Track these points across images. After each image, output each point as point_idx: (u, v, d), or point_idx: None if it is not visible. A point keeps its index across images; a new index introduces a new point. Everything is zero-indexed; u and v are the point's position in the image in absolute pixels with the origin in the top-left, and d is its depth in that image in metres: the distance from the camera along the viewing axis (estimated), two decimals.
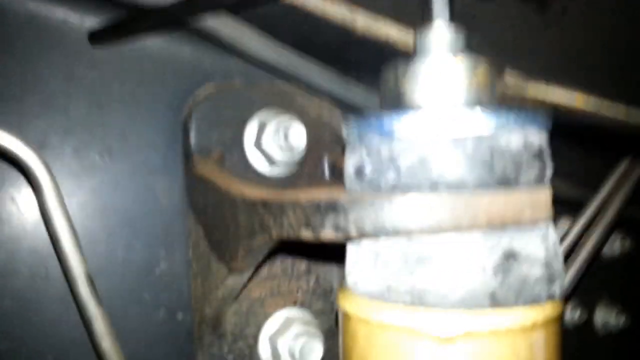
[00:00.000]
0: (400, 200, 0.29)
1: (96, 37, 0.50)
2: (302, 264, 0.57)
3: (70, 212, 0.44)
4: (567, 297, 0.66)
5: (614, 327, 0.86)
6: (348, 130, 0.33)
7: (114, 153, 0.51)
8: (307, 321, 0.56)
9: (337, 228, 0.31)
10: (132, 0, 0.44)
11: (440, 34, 0.32)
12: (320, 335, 0.53)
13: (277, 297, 0.56)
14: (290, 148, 0.53)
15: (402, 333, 0.29)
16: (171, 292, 0.53)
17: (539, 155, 0.30)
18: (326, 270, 0.58)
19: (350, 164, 0.32)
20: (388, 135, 0.30)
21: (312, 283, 0.58)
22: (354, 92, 0.56)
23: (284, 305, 0.56)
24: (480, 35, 0.52)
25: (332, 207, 0.31)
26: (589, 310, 0.85)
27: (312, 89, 0.56)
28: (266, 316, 0.54)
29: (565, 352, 0.91)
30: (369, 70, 0.59)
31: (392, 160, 0.30)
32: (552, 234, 0.31)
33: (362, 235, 0.30)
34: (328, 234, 0.32)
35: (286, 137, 0.53)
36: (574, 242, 0.68)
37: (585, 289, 0.85)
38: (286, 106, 0.56)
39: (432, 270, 0.29)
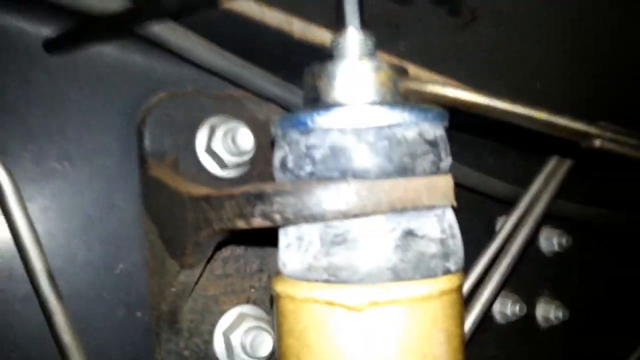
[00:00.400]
0: (314, 189, 0.33)
1: (51, 44, 0.53)
2: (254, 264, 0.61)
3: (32, 216, 0.47)
4: (501, 287, 0.71)
5: (555, 321, 0.92)
6: (274, 128, 0.37)
7: (72, 159, 0.54)
8: (259, 317, 0.60)
9: (264, 216, 0.35)
10: (83, 7, 0.47)
11: (351, 40, 0.37)
12: (271, 329, 0.57)
13: (231, 295, 0.60)
14: (239, 151, 0.57)
15: (321, 306, 0.33)
16: (130, 290, 0.56)
17: (432, 145, 0.35)
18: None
19: (276, 157, 0.37)
20: (304, 130, 0.34)
21: (264, 281, 0.62)
22: (298, 96, 0.61)
23: (237, 303, 0.60)
24: (407, 40, 0.57)
25: (259, 197, 0.35)
26: (530, 304, 0.91)
27: (259, 94, 0.60)
28: (221, 313, 0.58)
29: (509, 345, 0.96)
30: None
31: (308, 152, 0.34)
32: (449, 216, 0.36)
33: (285, 221, 0.34)
34: (257, 221, 0.36)
35: (234, 140, 0.57)
36: (507, 236, 0.73)
37: (525, 284, 0.90)
38: (236, 111, 0.61)
39: (343, 250, 0.33)
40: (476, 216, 0.84)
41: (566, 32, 0.52)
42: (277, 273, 0.38)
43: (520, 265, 0.87)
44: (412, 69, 0.63)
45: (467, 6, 0.47)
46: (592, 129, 0.42)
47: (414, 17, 0.50)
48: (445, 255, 0.34)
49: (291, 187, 0.34)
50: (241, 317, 0.58)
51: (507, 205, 0.80)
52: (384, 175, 0.33)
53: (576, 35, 0.53)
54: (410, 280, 0.33)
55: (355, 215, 0.33)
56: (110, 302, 0.55)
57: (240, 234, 0.41)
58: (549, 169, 0.77)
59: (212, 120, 0.59)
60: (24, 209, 0.46)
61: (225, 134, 0.57)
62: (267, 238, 0.41)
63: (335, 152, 0.34)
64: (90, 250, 0.54)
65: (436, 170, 0.35)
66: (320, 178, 0.34)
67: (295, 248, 0.35)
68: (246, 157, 0.58)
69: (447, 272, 0.34)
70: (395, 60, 0.61)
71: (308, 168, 0.34)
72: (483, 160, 0.82)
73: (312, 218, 0.33)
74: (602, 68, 0.59)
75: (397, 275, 0.33)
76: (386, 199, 0.33)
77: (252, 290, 0.61)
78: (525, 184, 0.79)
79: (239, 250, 0.60)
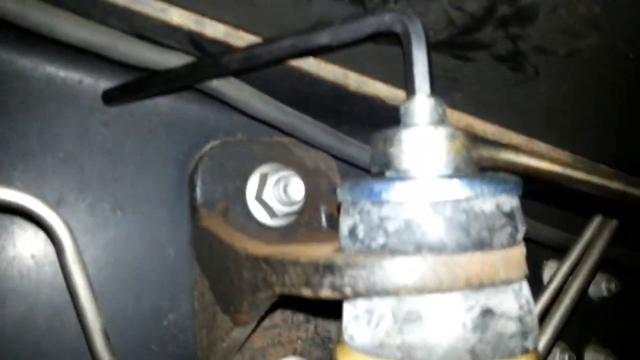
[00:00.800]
0: (388, 263, 0.32)
1: (109, 96, 0.54)
2: (301, 314, 0.60)
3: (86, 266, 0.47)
4: (555, 339, 0.68)
5: None
6: (342, 194, 0.36)
7: (125, 208, 0.54)
8: None
9: (334, 288, 0.34)
10: (143, 62, 0.48)
11: (422, 106, 0.36)
12: None
13: (277, 347, 0.59)
14: (290, 201, 0.56)
15: None
16: (178, 343, 0.55)
17: (510, 218, 0.33)
18: (324, 320, 0.61)
19: (344, 225, 0.36)
20: (377, 200, 0.33)
21: (310, 332, 0.61)
22: (347, 145, 0.60)
23: (284, 354, 0.59)
24: (463, 93, 0.56)
25: (329, 268, 0.34)
26: (579, 352, 0.87)
27: (309, 142, 0.60)
28: None
29: None
30: (361, 124, 0.63)
31: (381, 223, 0.33)
32: (525, 291, 0.34)
33: (356, 294, 0.33)
34: (326, 292, 0.35)
35: (285, 190, 0.56)
36: (560, 284, 0.71)
37: (574, 331, 0.87)
38: (285, 158, 0.60)
39: (418, 328, 0.32)
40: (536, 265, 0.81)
41: (622, 92, 0.51)
42: (342, 343, 0.36)
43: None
44: (465, 119, 0.62)
45: (530, 63, 0.47)
46: None
47: (473, 70, 0.50)
48: (524, 334, 0.33)
49: (363, 259, 0.33)
50: None
51: (552, 250, 0.78)
52: (461, 249, 0.32)
53: (632, 96, 0.52)
54: None
55: (431, 292, 0.32)
56: (158, 354, 0.54)
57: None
58: (597, 224, 0.75)
59: (263, 168, 0.59)
60: (82, 263, 0.45)
61: (276, 183, 0.57)
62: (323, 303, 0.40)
63: (410, 225, 0.32)
64: (140, 300, 0.54)
65: (513, 242, 0.34)
66: (393, 251, 0.33)
67: (364, 322, 0.33)
68: (296, 207, 0.58)
69: (525, 350, 0.33)
70: (448, 111, 0.60)
71: (381, 240, 0.33)
72: (531, 205, 0.80)
73: (385, 292, 0.32)
74: None
75: (475, 356, 0.31)
76: (463, 274, 0.31)
77: (299, 341, 0.60)
78: (572, 229, 0.77)
79: (287, 311, 0.59)
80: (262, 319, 0.53)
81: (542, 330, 0.68)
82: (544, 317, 0.69)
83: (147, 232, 0.55)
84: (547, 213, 0.81)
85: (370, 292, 0.32)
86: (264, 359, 0.56)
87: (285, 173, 0.57)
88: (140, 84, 0.51)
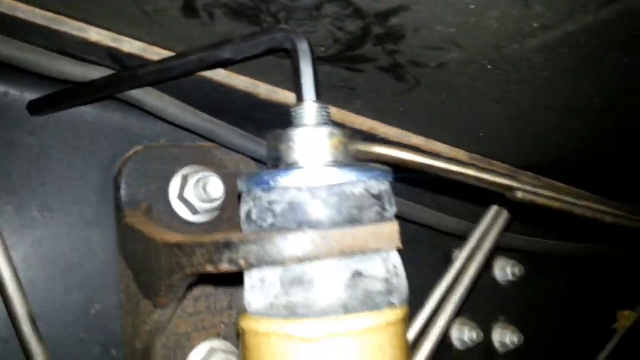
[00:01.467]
0: (275, 238, 0.39)
1: (34, 107, 0.58)
2: (224, 301, 0.66)
3: (15, 263, 0.51)
4: (457, 313, 0.77)
5: (511, 345, 0.98)
6: (241, 185, 0.43)
7: (52, 209, 0.58)
8: (229, 351, 0.64)
9: (231, 262, 0.40)
10: (66, 76, 0.53)
11: (308, 111, 0.43)
12: None
13: (201, 331, 0.64)
14: (210, 198, 0.62)
15: (281, 339, 0.38)
16: (105, 330, 0.60)
17: (377, 199, 0.41)
18: None
19: (242, 211, 0.42)
20: (267, 187, 0.40)
21: (233, 317, 0.66)
22: (262, 147, 0.67)
23: (207, 338, 0.64)
24: (362, 101, 0.64)
25: (227, 246, 0.40)
26: (487, 331, 0.97)
27: (228, 147, 0.66)
28: (192, 348, 0.62)
29: None
30: (275, 128, 0.70)
31: (270, 206, 0.40)
32: (394, 259, 0.41)
33: (250, 266, 0.40)
34: (225, 266, 0.41)
35: (205, 189, 0.62)
36: (461, 267, 0.80)
37: (482, 312, 0.97)
38: (207, 161, 0.66)
39: (301, 290, 0.38)
40: (435, 250, 0.90)
41: (490, 99, 0.60)
42: (243, 311, 0.42)
43: (477, 295, 0.94)
44: (368, 123, 0.70)
45: (410, 74, 0.55)
46: (514, 183, 0.49)
47: (365, 81, 0.57)
48: (390, 292, 0.40)
49: (254, 236, 0.39)
50: (211, 352, 0.62)
51: (462, 239, 0.87)
52: (335, 225, 0.39)
53: (497, 102, 0.61)
54: (359, 314, 0.38)
55: (310, 260, 0.38)
56: (86, 342, 0.59)
57: (210, 275, 0.46)
58: (496, 208, 0.84)
59: (185, 170, 0.64)
60: (8, 258, 0.50)
61: (197, 183, 0.63)
62: (235, 278, 0.46)
63: (293, 207, 0.39)
64: (69, 293, 0.58)
65: (381, 219, 0.41)
66: (280, 229, 0.39)
67: (258, 289, 0.40)
68: (216, 204, 0.63)
69: (391, 306, 0.40)
70: (352, 116, 0.68)
71: (269, 220, 0.40)
72: (439, 199, 0.89)
73: (273, 263, 0.39)
74: (533, 122, 0.67)
75: (347, 310, 0.38)
76: (337, 245, 0.38)
77: (223, 326, 0.65)
78: (477, 219, 0.86)
79: (210, 289, 0.65)
80: (181, 301, 0.58)
81: (445, 305, 0.76)
82: (447, 294, 0.78)
83: (75, 231, 0.59)
84: (453, 205, 0.91)
85: (261, 263, 0.39)
86: (189, 342, 0.62)
87: (205, 174, 0.63)
88: (64, 95, 0.55)
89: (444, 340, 0.91)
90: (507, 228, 0.86)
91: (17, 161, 0.57)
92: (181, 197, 0.63)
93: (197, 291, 0.64)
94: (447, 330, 0.76)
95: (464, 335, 0.91)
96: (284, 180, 0.40)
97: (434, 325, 0.77)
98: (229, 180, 0.66)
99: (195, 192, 0.63)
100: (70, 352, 0.58)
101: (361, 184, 0.40)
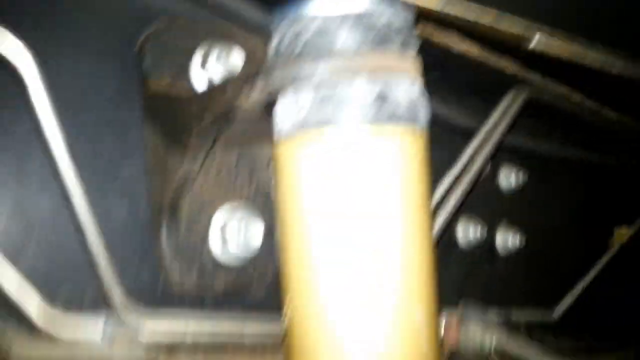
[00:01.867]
0: (305, 62, 0.41)
1: None
2: (245, 172, 0.68)
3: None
4: (459, 207, 0.80)
5: (512, 247, 1.02)
6: (272, 21, 0.44)
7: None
8: (251, 212, 0.67)
9: (262, 89, 0.43)
10: None
11: None
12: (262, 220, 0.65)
13: (224, 197, 0.67)
14: (231, 69, 0.64)
15: (312, 148, 0.41)
16: (132, 193, 0.63)
17: (400, 30, 0.43)
18: (266, 177, 0.70)
19: (273, 43, 0.44)
20: (295, 18, 0.42)
21: (254, 187, 0.69)
22: None
23: (230, 200, 0.67)
24: None
25: (258, 74, 0.43)
26: (490, 231, 1.01)
27: (249, 27, 0.67)
28: (215, 209, 0.65)
29: (471, 267, 1.05)
30: None
31: (298, 35, 0.42)
32: (417, 86, 0.44)
33: (281, 89, 0.42)
34: (256, 96, 0.43)
35: (227, 63, 0.64)
36: (466, 163, 0.83)
37: (486, 214, 1.00)
38: (228, 38, 0.67)
39: (333, 106, 0.41)
40: (443, 147, 0.93)
41: None
42: (276, 143, 0.45)
43: (482, 199, 0.97)
44: None
45: None
46: (530, 32, 0.51)
47: None
48: (413, 114, 0.42)
49: (285, 62, 0.42)
50: (234, 210, 0.65)
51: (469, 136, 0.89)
52: (363, 48, 0.41)
53: None
54: (385, 125, 0.41)
55: (340, 80, 0.41)
56: (115, 205, 0.61)
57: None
58: (505, 104, 0.86)
59: (205, 45, 0.66)
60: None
61: (218, 56, 0.64)
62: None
63: (322, 33, 0.41)
64: (96, 158, 0.61)
65: (407, 49, 0.43)
66: (309, 56, 0.42)
67: (292, 109, 0.42)
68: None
69: (414, 125, 0.43)
70: None
71: (298, 49, 0.42)
72: (449, 98, 0.91)
73: (304, 83, 0.41)
74: None
75: (372, 122, 0.41)
76: (365, 65, 0.41)
77: (244, 189, 0.68)
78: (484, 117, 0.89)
79: (231, 161, 0.67)
80: (207, 156, 0.60)
81: (446, 202, 0.80)
82: (450, 190, 0.81)
83: (98, 104, 0.61)
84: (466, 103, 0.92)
85: (293, 85, 0.41)
86: (212, 206, 0.65)
87: (226, 47, 0.65)
88: None
89: (450, 239, 0.95)
90: (513, 127, 0.88)
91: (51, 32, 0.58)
92: (202, 70, 0.65)
93: (220, 164, 0.67)
94: (452, 225, 0.78)
95: (468, 233, 0.95)
96: (312, 9, 0.42)
97: (438, 217, 0.80)
98: (249, 58, 0.68)
99: (217, 66, 0.64)
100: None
101: (387, 14, 0.42)
